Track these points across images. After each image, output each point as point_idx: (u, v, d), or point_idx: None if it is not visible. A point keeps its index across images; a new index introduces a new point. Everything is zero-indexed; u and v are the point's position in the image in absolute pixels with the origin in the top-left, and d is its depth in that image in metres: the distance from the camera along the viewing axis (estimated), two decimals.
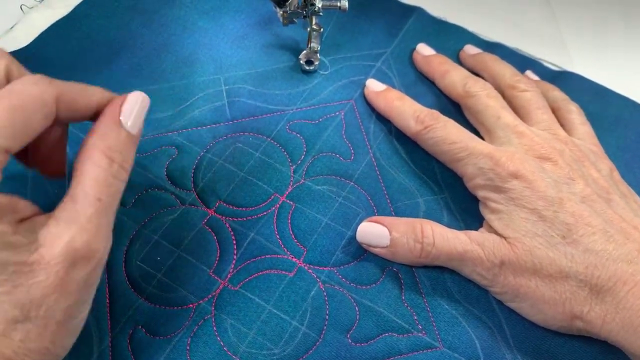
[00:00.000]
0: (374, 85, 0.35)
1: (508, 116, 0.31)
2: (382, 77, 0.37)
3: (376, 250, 0.29)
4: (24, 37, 0.36)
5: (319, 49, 0.36)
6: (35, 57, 0.35)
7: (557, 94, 0.35)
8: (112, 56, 0.36)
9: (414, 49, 0.38)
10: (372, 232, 0.29)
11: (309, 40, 0.36)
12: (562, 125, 0.33)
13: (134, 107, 0.23)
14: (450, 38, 0.39)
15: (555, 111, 0.34)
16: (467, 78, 0.34)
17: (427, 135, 0.31)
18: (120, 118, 0.22)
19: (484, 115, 0.32)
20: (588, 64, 0.39)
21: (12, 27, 0.37)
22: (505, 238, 0.27)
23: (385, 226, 0.29)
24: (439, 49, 0.38)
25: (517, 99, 0.33)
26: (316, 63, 0.36)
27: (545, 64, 0.39)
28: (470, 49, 0.38)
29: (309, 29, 0.35)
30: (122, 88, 0.34)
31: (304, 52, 0.37)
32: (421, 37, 0.39)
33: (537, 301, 0.26)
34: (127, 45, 0.37)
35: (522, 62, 0.38)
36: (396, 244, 0.28)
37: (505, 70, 0.35)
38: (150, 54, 0.36)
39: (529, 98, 0.33)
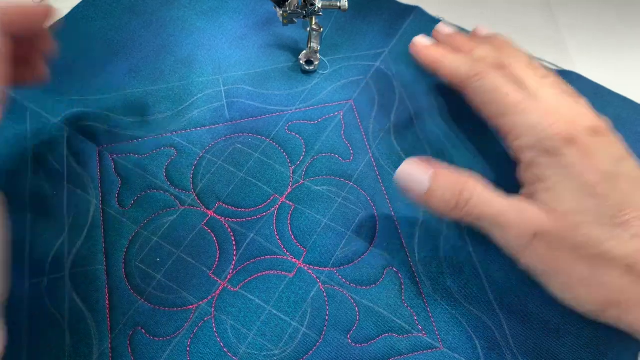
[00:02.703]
0: (424, 40, 0.33)
1: (547, 87, 0.29)
2: (381, 77, 0.37)
3: (410, 194, 0.27)
4: None
5: (318, 49, 0.36)
6: None
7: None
8: (110, 57, 0.36)
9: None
10: (413, 174, 0.27)
11: (309, 40, 0.36)
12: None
13: None
14: None
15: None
16: (493, 51, 0.31)
17: (478, 82, 0.29)
18: None
19: (523, 82, 0.28)
20: (588, 64, 0.39)
21: None
22: (548, 209, 0.25)
23: (428, 172, 0.27)
24: None
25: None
26: (316, 63, 0.36)
27: (545, 64, 0.39)
28: (483, 28, 0.35)
29: (309, 29, 0.35)
30: (121, 89, 0.35)
31: (304, 52, 0.37)
32: None
33: (571, 281, 0.24)
34: (126, 46, 0.37)
35: None
36: (433, 194, 0.26)
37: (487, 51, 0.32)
38: (149, 54, 0.36)
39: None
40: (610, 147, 0.26)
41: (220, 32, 0.38)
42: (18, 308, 0.27)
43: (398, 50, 0.38)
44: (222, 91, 0.35)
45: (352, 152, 0.33)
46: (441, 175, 0.27)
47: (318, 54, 0.36)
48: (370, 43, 0.38)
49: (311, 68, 0.36)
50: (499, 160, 0.32)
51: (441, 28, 0.35)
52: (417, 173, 0.27)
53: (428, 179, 0.27)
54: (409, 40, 0.39)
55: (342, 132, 0.34)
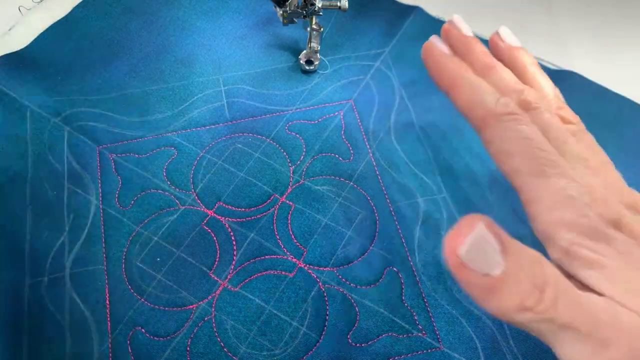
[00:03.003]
0: (460, 24, 0.27)
1: (575, 144, 0.23)
2: (381, 77, 0.37)
3: (472, 280, 0.18)
4: (22, 38, 0.36)
5: (319, 48, 0.36)
6: (34, 58, 0.35)
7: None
8: (110, 57, 0.36)
9: (413, 48, 0.38)
10: (487, 248, 0.18)
11: (309, 40, 0.36)
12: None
13: None
14: None
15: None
16: (520, 84, 0.25)
17: (508, 123, 0.22)
18: None
19: (547, 136, 0.23)
20: (588, 64, 0.39)
21: (10, 29, 0.37)
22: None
23: (501, 244, 0.18)
24: None
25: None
26: (316, 63, 0.36)
27: (545, 64, 0.39)
28: (508, 36, 0.28)
29: (309, 29, 0.35)
30: (120, 89, 0.35)
31: (304, 52, 0.37)
32: (419, 37, 0.39)
33: None
34: (126, 46, 0.37)
35: None
36: (508, 280, 0.18)
37: (549, 89, 0.27)
38: (149, 54, 0.36)
39: (574, 132, 0.24)
40: None
41: (220, 32, 0.38)
42: (18, 308, 0.27)
43: (398, 50, 0.38)
44: (222, 91, 0.35)
45: (352, 152, 0.33)
46: (515, 248, 0.18)
47: (318, 54, 0.36)
48: (370, 43, 0.38)
49: (311, 68, 0.36)
50: None
51: (457, 23, 0.28)
52: (492, 244, 0.18)
53: (501, 256, 0.18)
54: (409, 40, 0.39)
55: (342, 132, 0.34)
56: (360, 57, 0.38)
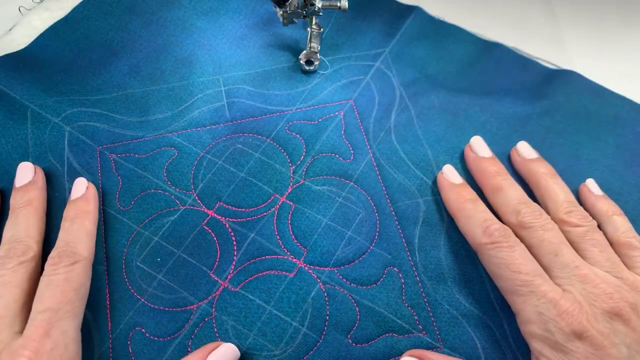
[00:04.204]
0: (451, 175, 0.31)
1: (568, 254, 0.27)
2: (381, 77, 0.37)
3: None
4: (22, 38, 0.36)
5: (319, 49, 0.36)
6: (34, 58, 0.35)
7: (619, 220, 0.29)
8: (110, 57, 0.36)
9: (413, 48, 0.38)
10: None
11: (309, 40, 0.36)
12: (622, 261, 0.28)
13: None
14: (448, 38, 0.39)
15: (614, 244, 0.29)
16: (521, 204, 0.29)
17: (491, 251, 0.27)
18: None
19: (539, 251, 0.27)
20: (588, 64, 0.39)
21: (10, 29, 0.37)
22: None
23: None
24: (437, 48, 0.38)
25: (569, 234, 0.28)
26: (316, 63, 0.36)
27: (545, 64, 0.39)
28: (524, 150, 0.32)
29: (309, 29, 0.35)
30: (121, 89, 0.35)
31: (304, 52, 0.37)
32: (419, 37, 0.39)
33: None
34: (126, 46, 0.37)
35: (521, 61, 0.38)
36: None
37: (558, 196, 0.30)
38: (149, 54, 0.36)
39: (582, 234, 0.28)
40: (628, 334, 0.24)
41: (221, 32, 0.38)
42: None
43: (398, 50, 0.38)
44: (223, 91, 0.35)
45: (352, 152, 0.33)
46: None
47: (318, 54, 0.36)
48: (370, 43, 0.38)
49: (311, 68, 0.36)
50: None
51: (474, 146, 0.33)
52: None
53: None
54: (409, 40, 0.39)
55: (343, 132, 0.34)
56: (360, 57, 0.38)
